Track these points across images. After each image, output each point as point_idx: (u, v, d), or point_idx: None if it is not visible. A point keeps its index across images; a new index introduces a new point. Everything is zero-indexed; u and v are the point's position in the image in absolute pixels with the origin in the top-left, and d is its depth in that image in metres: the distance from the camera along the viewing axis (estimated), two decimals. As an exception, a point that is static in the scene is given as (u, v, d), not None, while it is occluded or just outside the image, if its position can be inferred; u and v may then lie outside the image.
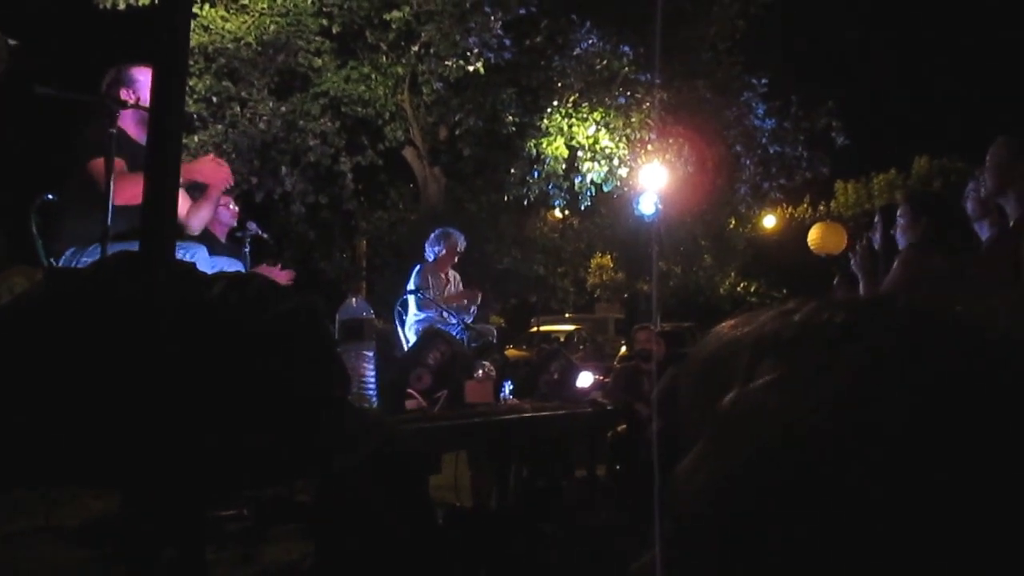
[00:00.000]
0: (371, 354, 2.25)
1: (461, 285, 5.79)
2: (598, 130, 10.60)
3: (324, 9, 10.47)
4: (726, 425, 0.41)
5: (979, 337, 0.39)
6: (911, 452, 0.35)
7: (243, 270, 3.72)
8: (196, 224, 3.27)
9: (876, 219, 3.54)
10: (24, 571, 3.17)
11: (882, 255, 3.34)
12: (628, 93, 10.77)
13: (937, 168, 25.05)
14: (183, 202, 3.03)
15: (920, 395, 0.36)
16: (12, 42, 2.25)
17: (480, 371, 2.85)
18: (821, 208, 24.78)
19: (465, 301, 5.55)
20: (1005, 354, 0.39)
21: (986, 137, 2.81)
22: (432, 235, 5.79)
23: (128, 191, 2.71)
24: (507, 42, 10.17)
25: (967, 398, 0.36)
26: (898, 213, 3.19)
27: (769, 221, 21.45)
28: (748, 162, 11.96)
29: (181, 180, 3.02)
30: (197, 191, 3.31)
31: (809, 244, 11.64)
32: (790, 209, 23.37)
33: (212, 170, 3.31)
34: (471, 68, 9.98)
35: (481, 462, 3.92)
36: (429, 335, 3.03)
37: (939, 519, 0.35)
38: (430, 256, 5.68)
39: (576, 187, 10.92)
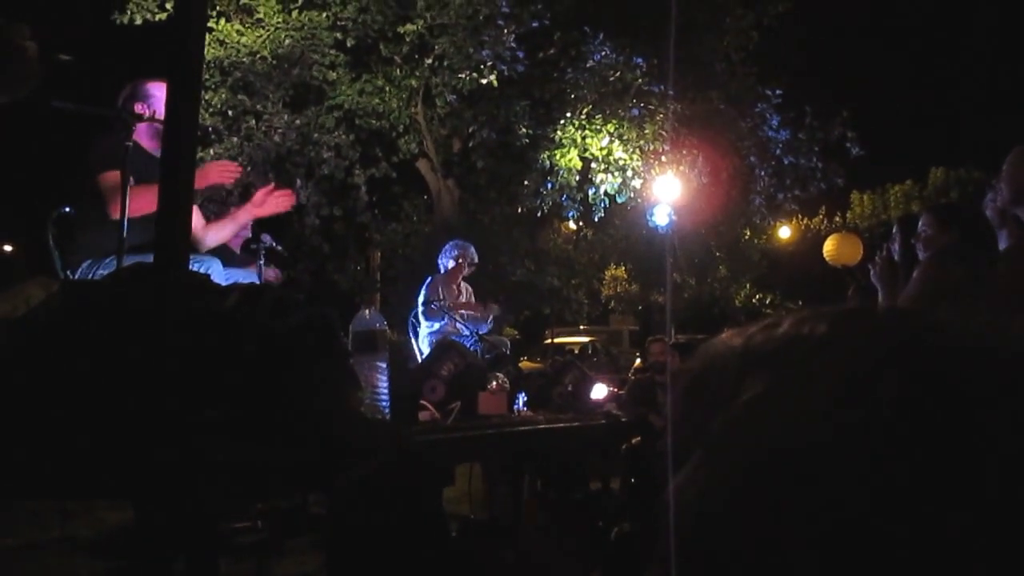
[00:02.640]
0: (384, 365, 2.24)
1: (474, 297, 5.79)
2: (611, 141, 10.59)
3: (339, 23, 10.55)
4: (715, 440, 0.41)
5: (958, 340, 0.39)
6: (887, 461, 0.35)
7: (257, 282, 3.73)
8: (211, 241, 3.29)
9: (895, 230, 3.50)
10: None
11: (901, 266, 3.31)
12: (641, 104, 10.76)
13: (954, 179, 24.91)
14: (196, 218, 3.04)
15: (895, 402, 0.36)
16: (65, 57, 2.18)
17: (494, 383, 2.84)
18: (837, 219, 24.69)
19: (478, 314, 5.55)
20: (986, 356, 0.38)
21: (1003, 147, 2.78)
22: (444, 247, 5.81)
23: (138, 203, 2.73)
24: (520, 54, 10.19)
25: (944, 403, 0.36)
26: (921, 223, 3.15)
27: (784, 232, 21.39)
28: (762, 173, 11.91)
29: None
30: (213, 203, 3.32)
31: (825, 255, 11.58)
32: (805, 220, 23.31)
33: (219, 173, 3.31)
34: (484, 80, 10.00)
35: (495, 474, 3.91)
36: (443, 347, 3.02)
37: (928, 524, 0.34)
38: (442, 268, 5.69)
39: (590, 199, 10.90)
